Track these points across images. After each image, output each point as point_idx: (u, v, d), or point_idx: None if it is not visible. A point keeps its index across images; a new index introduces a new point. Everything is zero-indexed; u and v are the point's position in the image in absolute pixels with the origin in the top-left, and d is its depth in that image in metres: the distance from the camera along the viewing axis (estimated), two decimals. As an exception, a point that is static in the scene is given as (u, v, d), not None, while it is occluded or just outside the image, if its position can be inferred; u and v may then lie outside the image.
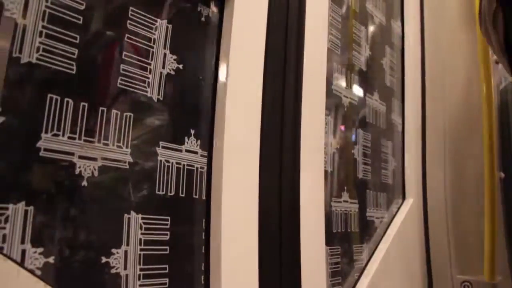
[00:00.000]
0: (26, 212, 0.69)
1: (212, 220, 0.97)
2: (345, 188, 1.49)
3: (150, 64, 0.93)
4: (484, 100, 1.76)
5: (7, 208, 0.67)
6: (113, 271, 0.81)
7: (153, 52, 0.94)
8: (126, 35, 0.89)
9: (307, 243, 1.14)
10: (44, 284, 0.67)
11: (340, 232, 1.42)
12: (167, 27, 0.97)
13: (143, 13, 0.92)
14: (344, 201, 1.47)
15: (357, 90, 1.64)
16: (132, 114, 0.88)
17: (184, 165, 0.96)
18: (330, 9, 1.47)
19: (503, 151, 1.95)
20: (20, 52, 0.72)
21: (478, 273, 1.72)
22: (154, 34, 0.94)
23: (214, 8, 1.08)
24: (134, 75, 0.89)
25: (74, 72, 0.78)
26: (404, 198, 1.85)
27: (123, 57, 0.88)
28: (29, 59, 0.73)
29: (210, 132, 1.01)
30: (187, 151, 0.97)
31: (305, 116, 1.18)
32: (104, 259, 0.80)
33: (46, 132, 0.73)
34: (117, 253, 0.82)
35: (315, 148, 1.24)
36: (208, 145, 1.01)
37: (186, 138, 0.98)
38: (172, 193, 0.93)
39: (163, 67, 0.95)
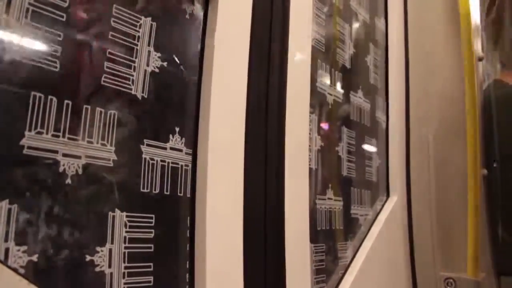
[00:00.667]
0: (9, 210, 0.69)
1: (196, 217, 0.97)
2: (330, 185, 1.49)
3: (134, 62, 0.92)
4: (467, 98, 1.77)
5: (-10, 207, 0.67)
6: (97, 269, 0.81)
7: (137, 49, 0.94)
8: (110, 32, 0.89)
9: (292, 240, 1.14)
10: (27, 282, 0.67)
11: (325, 230, 1.43)
12: (151, 25, 0.97)
13: (127, 10, 0.92)
14: (329, 198, 1.47)
15: (341, 88, 1.64)
16: (116, 112, 0.87)
17: (168, 162, 0.96)
18: (314, 7, 1.47)
19: (486, 148, 1.96)
20: (3, 49, 0.72)
21: (462, 269, 1.73)
22: (138, 31, 0.94)
23: (198, 5, 1.07)
24: (118, 73, 0.89)
25: (57, 69, 0.78)
26: (388, 195, 1.86)
27: (107, 54, 0.88)
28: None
29: (195, 129, 1.01)
30: (171, 148, 0.97)
31: (290, 114, 1.19)
32: (88, 257, 0.80)
33: (29, 130, 0.73)
34: (102, 251, 0.81)
35: (300, 145, 1.24)
36: (192, 143, 1.01)
37: (170, 136, 0.98)
38: (157, 191, 0.93)
39: (147, 65, 0.95)
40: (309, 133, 1.31)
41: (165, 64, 0.98)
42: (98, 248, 0.81)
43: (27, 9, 0.75)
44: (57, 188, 0.77)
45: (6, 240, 0.68)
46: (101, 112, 0.85)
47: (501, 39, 1.78)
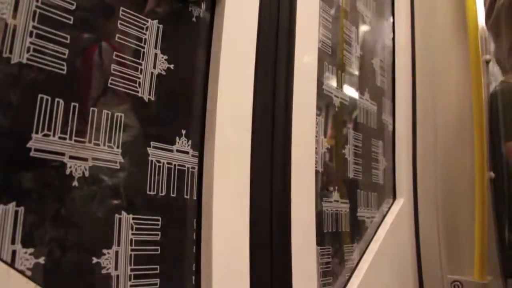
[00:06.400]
0: (16, 212, 0.69)
1: (203, 220, 0.97)
2: (336, 188, 1.49)
3: (141, 64, 0.93)
4: (474, 101, 1.77)
5: (-3, 209, 0.67)
6: (104, 271, 0.81)
7: (144, 52, 0.94)
8: (117, 35, 0.89)
9: (298, 243, 1.14)
10: (34, 284, 0.67)
11: (331, 232, 1.43)
12: (158, 27, 0.97)
13: (134, 13, 0.92)
14: (335, 201, 1.47)
15: (348, 90, 1.64)
16: (123, 114, 0.88)
17: (175, 165, 0.96)
18: (321, 9, 1.47)
19: (493, 151, 1.95)
20: (11, 52, 0.72)
21: (469, 272, 1.72)
22: (145, 34, 0.94)
23: (205, 8, 1.07)
24: (125, 75, 0.89)
25: (64, 72, 0.78)
26: (394, 198, 1.85)
27: (113, 57, 0.88)
28: (20, 60, 0.73)
29: (201, 132, 1.01)
30: (178, 151, 0.97)
31: (296, 116, 1.18)
32: (95, 260, 0.80)
33: (36, 132, 0.73)
34: (108, 253, 0.81)
35: (306, 148, 1.24)
36: (199, 145, 1.01)
37: (177, 138, 0.98)
38: (163, 193, 0.93)
39: (154, 67, 0.95)
40: (316, 136, 1.30)
41: (171, 66, 0.99)
42: (104, 251, 0.81)
43: (34, 12, 0.75)
44: (64, 191, 0.78)
45: (13, 242, 0.69)
46: (107, 114, 0.85)
47: (499, 44, 1.77)
